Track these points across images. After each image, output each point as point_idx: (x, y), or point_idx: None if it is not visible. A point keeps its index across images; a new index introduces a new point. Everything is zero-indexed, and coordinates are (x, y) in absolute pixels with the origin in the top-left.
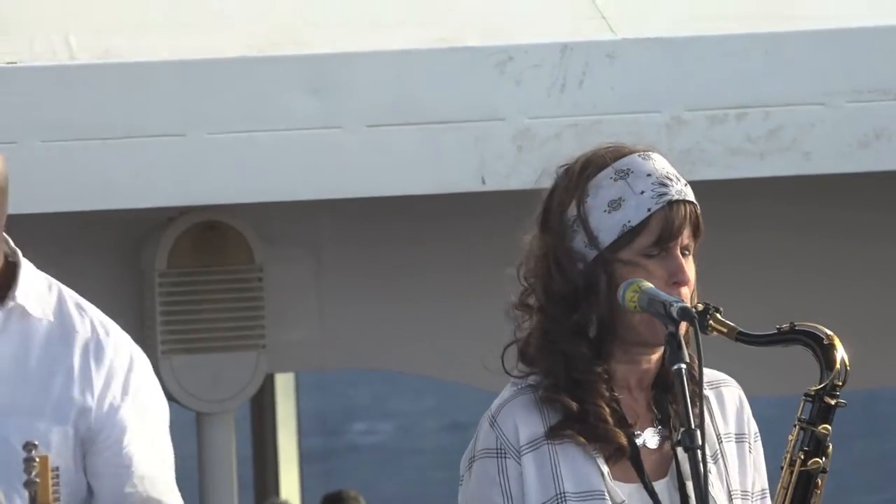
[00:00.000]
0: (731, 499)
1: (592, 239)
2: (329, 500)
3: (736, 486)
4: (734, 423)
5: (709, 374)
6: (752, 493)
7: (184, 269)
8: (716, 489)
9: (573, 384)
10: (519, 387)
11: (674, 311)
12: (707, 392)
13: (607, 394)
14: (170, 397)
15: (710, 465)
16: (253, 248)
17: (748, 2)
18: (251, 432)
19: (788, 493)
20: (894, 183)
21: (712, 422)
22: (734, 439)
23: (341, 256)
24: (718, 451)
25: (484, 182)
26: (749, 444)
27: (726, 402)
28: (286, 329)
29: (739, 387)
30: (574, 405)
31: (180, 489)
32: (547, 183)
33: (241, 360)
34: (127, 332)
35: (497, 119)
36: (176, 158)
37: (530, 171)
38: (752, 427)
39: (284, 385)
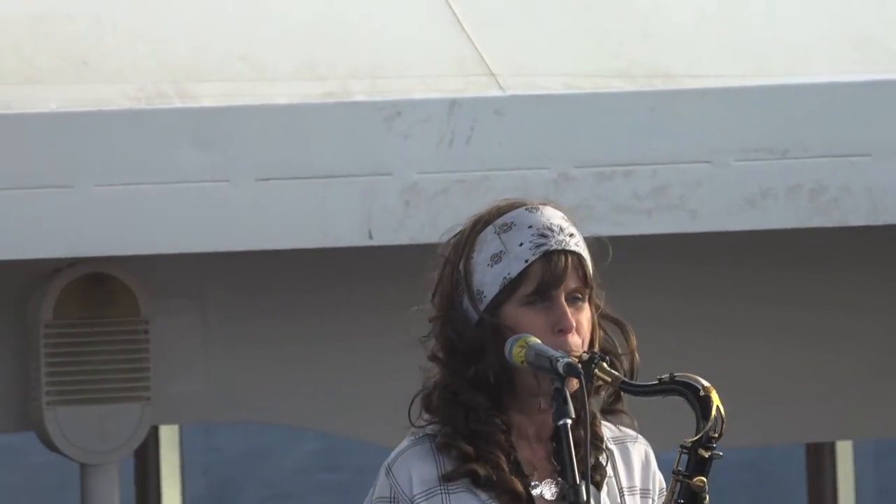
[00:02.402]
0: None
1: (478, 294)
2: None
3: None
4: (639, 479)
5: (616, 430)
6: None
7: (69, 321)
8: None
9: (472, 434)
10: (417, 436)
11: (559, 366)
12: (612, 447)
13: (505, 444)
14: (54, 448)
15: None
16: (139, 300)
17: (636, 60)
18: (134, 485)
19: None
20: (780, 241)
21: (616, 476)
22: (638, 493)
23: (228, 309)
24: None
25: (371, 237)
26: (653, 499)
27: (632, 457)
28: (171, 381)
29: (647, 443)
30: (471, 450)
31: None
32: (438, 238)
33: (126, 411)
34: (11, 383)
35: (385, 174)
36: (62, 210)
37: (417, 227)
38: (657, 484)
39: (169, 437)
